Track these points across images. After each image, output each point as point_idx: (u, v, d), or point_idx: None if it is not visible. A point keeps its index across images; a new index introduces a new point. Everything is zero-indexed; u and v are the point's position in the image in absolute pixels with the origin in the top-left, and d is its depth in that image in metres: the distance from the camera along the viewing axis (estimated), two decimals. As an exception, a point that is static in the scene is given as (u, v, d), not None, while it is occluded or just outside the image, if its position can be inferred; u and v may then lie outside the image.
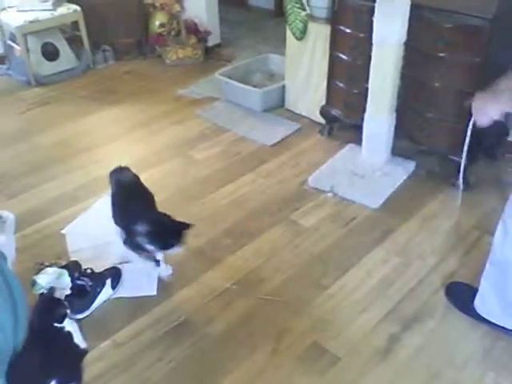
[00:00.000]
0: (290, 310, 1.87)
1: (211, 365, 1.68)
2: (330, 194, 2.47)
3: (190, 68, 3.84)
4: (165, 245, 1.84)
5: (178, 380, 1.64)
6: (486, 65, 2.17)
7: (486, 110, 1.46)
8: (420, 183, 2.52)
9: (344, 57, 2.68)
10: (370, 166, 2.61)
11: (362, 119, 2.62)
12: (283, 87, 3.19)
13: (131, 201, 1.98)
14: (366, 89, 2.54)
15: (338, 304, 1.89)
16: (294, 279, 2.01)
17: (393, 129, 2.58)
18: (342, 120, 2.84)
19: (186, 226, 1.84)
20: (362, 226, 2.28)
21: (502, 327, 1.74)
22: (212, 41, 4.04)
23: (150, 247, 1.84)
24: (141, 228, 1.79)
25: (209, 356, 1.71)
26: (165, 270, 2.00)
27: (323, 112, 2.93)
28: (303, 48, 2.95)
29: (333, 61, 2.75)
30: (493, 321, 1.75)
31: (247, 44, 4.17)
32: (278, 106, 3.22)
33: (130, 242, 1.90)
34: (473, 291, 1.80)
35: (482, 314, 1.77)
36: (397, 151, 2.65)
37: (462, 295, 1.86)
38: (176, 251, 1.84)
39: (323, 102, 2.90)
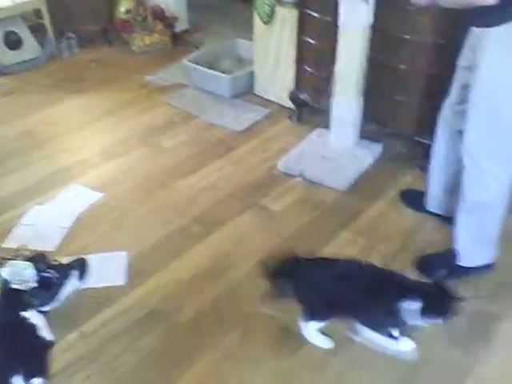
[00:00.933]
0: (258, 296, 1.87)
1: (180, 353, 1.68)
2: (299, 179, 2.47)
3: (158, 55, 3.78)
4: (441, 313, 1.51)
5: (147, 369, 1.63)
6: (451, 46, 2.19)
7: None
8: (387, 165, 2.54)
9: (312, 41, 2.67)
10: (339, 150, 2.62)
11: (331, 103, 2.62)
12: (252, 73, 3.17)
13: (376, 280, 1.59)
14: (338, 74, 2.54)
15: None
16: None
17: (360, 112, 2.58)
18: (311, 104, 2.84)
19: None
20: (331, 208, 2.30)
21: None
22: (179, 26, 3.98)
23: (420, 321, 1.53)
24: (414, 303, 1.48)
25: (178, 344, 1.71)
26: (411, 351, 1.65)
27: (292, 97, 2.92)
28: (271, 32, 2.93)
29: (301, 45, 2.74)
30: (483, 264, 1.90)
31: (215, 29, 4.12)
32: (246, 91, 3.20)
33: (390, 322, 1.57)
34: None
35: (470, 265, 1.88)
36: (364, 134, 2.65)
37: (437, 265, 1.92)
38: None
39: (292, 87, 2.90)
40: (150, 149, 2.74)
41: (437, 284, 1.51)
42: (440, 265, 1.92)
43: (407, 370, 1.62)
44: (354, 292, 1.55)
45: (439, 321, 1.52)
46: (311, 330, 1.67)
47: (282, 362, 1.65)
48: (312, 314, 1.64)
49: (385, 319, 1.57)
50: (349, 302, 1.57)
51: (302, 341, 1.69)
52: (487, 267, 1.90)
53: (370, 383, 1.60)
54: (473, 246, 1.88)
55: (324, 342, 1.68)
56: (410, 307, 1.47)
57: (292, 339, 1.71)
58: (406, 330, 1.58)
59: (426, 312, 1.47)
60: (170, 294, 1.88)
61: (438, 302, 1.48)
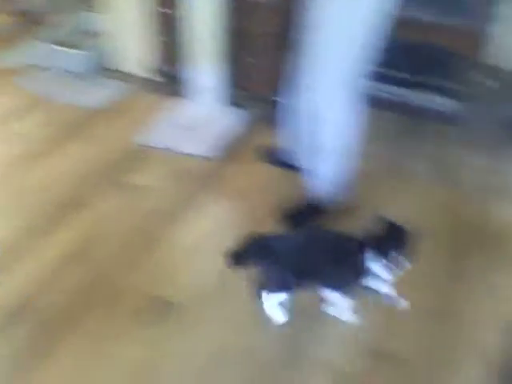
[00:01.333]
0: (127, 270, 1.86)
1: (51, 341, 1.61)
2: (163, 150, 2.45)
3: (5, 35, 3.49)
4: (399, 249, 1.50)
5: (17, 364, 1.56)
6: (297, 8, 2.27)
7: None
8: (251, 128, 2.60)
9: (167, 10, 2.64)
10: (202, 118, 2.63)
11: (190, 72, 2.62)
12: (108, 47, 3.04)
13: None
14: (192, 41, 2.53)
15: (173, 253, 1.93)
16: (131, 238, 1.99)
17: (220, 78, 2.60)
18: (172, 74, 2.81)
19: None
20: (197, 176, 2.31)
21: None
22: (27, 4, 3.70)
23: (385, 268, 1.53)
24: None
25: (45, 334, 1.64)
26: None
27: (151, 68, 2.87)
28: (125, 5, 2.82)
29: (157, 15, 2.70)
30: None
31: (66, 4, 3.88)
32: (103, 67, 3.06)
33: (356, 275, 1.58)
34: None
35: (330, 206, 2.05)
36: (228, 100, 2.68)
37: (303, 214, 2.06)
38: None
39: (151, 59, 2.84)
40: (2, 135, 2.55)
41: (389, 224, 1.53)
42: (306, 214, 2.06)
43: (278, 327, 1.67)
44: (317, 257, 1.56)
45: (404, 263, 1.51)
46: (273, 303, 1.65)
47: (151, 331, 1.65)
48: (278, 286, 1.61)
49: (351, 273, 1.59)
50: (314, 268, 1.56)
51: (171, 306, 1.72)
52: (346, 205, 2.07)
53: (240, 342, 1.64)
54: (330, 188, 2.03)
55: (281, 316, 1.67)
56: (372, 255, 1.51)
57: (163, 306, 1.72)
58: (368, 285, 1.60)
59: (385, 253, 1.49)
60: (37, 283, 1.79)
61: (393, 240, 1.50)
